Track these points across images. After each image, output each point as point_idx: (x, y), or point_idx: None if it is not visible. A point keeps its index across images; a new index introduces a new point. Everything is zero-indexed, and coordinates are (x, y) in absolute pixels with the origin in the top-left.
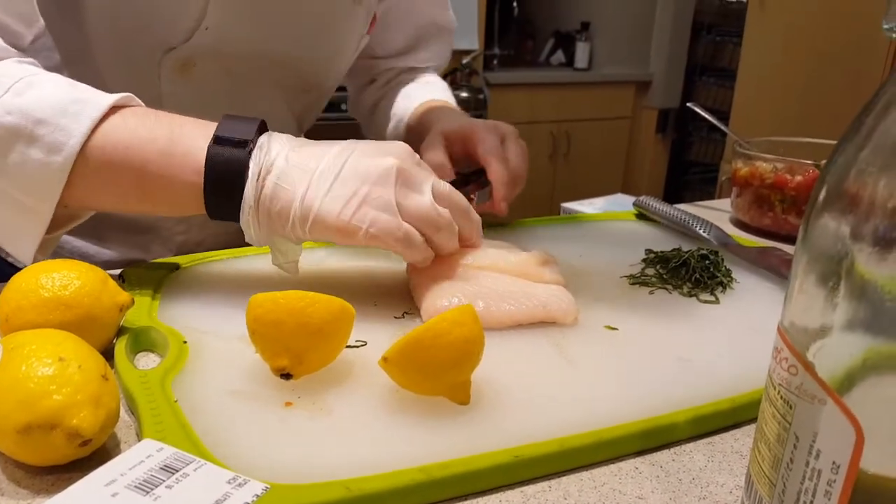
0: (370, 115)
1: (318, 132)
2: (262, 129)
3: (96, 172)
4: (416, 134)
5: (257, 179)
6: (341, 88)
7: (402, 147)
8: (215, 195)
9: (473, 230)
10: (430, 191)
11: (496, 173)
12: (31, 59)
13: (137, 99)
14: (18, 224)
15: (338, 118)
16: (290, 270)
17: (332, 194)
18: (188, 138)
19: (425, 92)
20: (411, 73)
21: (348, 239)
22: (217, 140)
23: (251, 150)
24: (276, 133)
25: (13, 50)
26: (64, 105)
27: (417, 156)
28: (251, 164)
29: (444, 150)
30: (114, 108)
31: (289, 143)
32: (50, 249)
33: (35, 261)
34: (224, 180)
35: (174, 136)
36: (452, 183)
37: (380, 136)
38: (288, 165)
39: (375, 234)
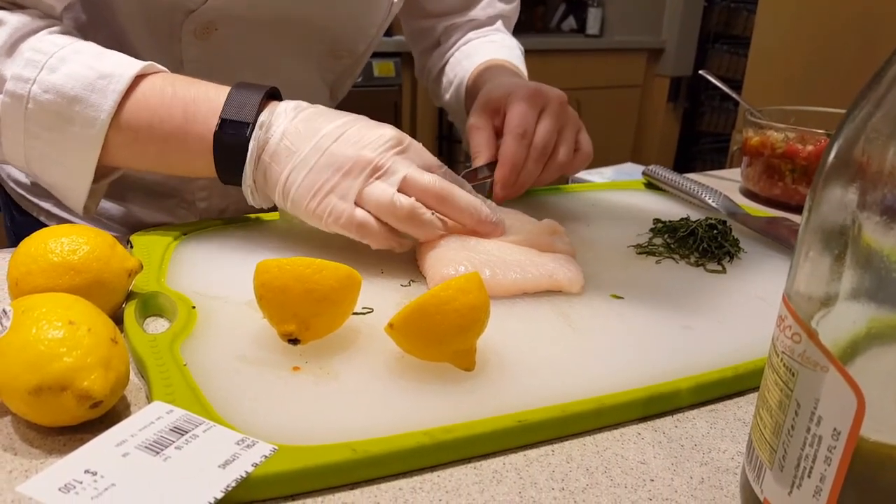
0: (436, 81)
1: (352, 99)
2: (273, 95)
3: (125, 145)
4: (472, 99)
5: (256, 158)
6: (377, 55)
7: (388, 135)
8: (224, 172)
9: (460, 216)
10: (399, 181)
11: (502, 153)
12: (59, 27)
13: (159, 66)
14: (67, 184)
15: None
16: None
17: (306, 182)
18: (201, 118)
19: (487, 51)
20: (477, 30)
21: (317, 224)
22: (222, 124)
23: (251, 133)
24: (281, 105)
25: (42, 22)
26: (91, 81)
27: (407, 141)
28: (250, 145)
29: (484, 118)
30: (137, 78)
31: (289, 116)
32: (99, 196)
33: (87, 210)
34: (229, 160)
35: (188, 116)
36: (471, 172)
37: (442, 103)
38: (280, 146)
39: (332, 224)
